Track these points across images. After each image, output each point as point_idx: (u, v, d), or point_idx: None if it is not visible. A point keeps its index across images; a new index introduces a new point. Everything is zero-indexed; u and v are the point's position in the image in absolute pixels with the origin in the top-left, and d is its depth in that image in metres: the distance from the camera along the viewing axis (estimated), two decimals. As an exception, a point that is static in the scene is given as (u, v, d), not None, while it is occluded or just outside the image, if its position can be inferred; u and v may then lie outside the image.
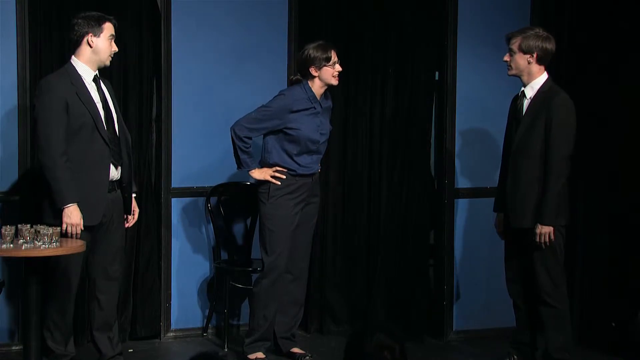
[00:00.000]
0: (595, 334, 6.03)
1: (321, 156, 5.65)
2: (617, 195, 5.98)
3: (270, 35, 6.20)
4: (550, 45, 5.26)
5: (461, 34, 6.27)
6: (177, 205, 6.12)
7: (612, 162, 6.02)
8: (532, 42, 5.21)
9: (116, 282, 5.25)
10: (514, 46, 5.25)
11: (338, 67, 5.49)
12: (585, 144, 5.81)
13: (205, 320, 6.18)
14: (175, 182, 6.09)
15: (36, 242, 4.65)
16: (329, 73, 5.47)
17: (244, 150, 5.48)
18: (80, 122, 4.94)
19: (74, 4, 5.76)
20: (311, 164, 5.55)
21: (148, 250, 6.04)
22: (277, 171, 5.47)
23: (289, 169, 5.48)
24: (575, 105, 5.27)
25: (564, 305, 5.28)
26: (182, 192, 6.12)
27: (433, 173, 6.47)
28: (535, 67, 5.25)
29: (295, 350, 5.70)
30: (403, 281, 6.27)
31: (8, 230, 4.71)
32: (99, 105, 5.04)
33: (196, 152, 6.12)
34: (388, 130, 6.29)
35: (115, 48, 5.09)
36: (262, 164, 5.54)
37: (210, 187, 6.13)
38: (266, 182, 5.48)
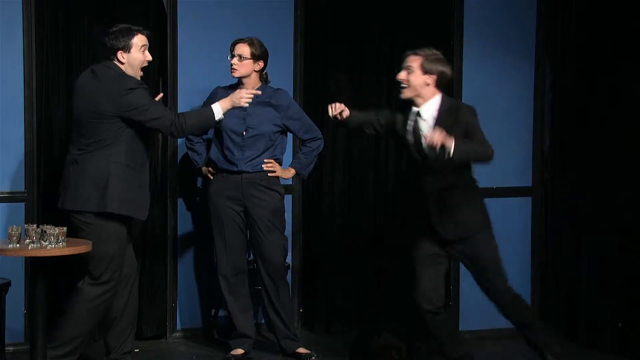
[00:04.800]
0: (602, 335, 6.02)
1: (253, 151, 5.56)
2: (625, 194, 5.96)
3: (276, 34, 6.20)
4: (449, 72, 5.07)
5: (467, 33, 6.27)
6: (182, 205, 6.12)
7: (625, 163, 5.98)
8: (434, 65, 5.02)
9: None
10: (415, 64, 5.02)
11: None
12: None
13: (212, 321, 6.18)
14: (181, 182, 6.10)
15: (42, 242, 4.66)
16: None
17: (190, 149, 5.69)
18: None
19: (80, 5, 5.78)
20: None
21: (153, 250, 6.05)
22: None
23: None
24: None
25: None
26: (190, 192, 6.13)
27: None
28: (431, 90, 5.02)
29: (301, 350, 5.70)
30: (409, 282, 6.24)
31: (15, 230, 4.72)
32: None
33: (202, 152, 6.12)
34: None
35: (149, 57, 5.11)
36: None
37: (216, 187, 6.12)
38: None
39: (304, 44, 6.26)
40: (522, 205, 6.42)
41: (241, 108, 5.29)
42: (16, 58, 5.63)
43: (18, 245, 4.67)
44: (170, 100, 6.01)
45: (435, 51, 5.10)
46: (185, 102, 6.04)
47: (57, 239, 4.67)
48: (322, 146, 5.73)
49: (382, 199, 6.33)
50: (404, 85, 5.03)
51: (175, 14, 5.97)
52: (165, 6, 5.97)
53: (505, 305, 5.18)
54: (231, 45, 5.56)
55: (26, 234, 4.70)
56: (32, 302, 4.84)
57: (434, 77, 5.00)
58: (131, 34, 5.03)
